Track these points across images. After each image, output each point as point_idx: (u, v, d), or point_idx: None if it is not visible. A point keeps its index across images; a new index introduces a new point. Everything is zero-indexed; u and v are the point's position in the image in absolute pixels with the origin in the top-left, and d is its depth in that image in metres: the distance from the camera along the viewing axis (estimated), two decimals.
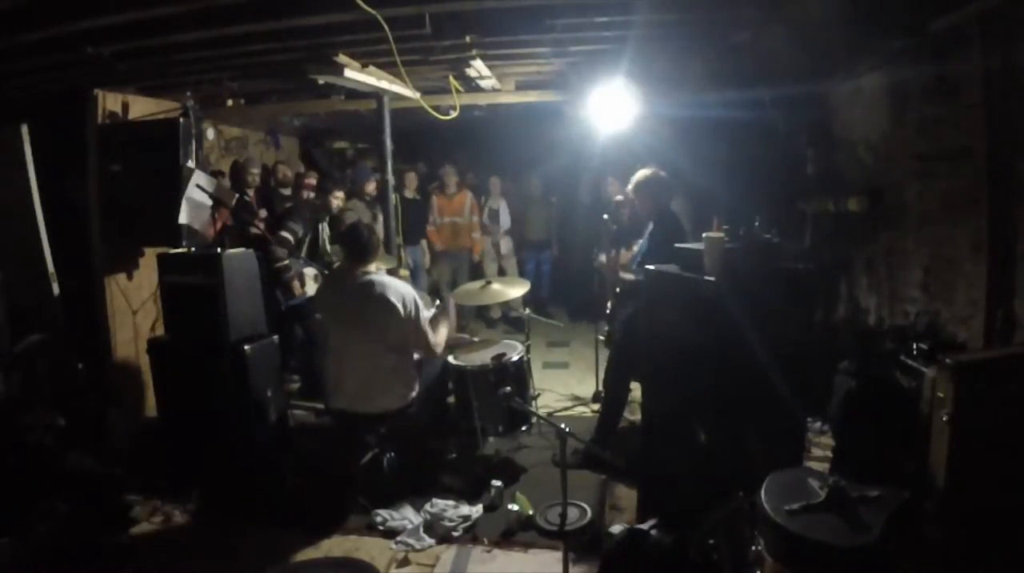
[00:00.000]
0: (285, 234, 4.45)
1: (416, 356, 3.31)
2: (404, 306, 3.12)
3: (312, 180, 5.46)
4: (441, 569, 2.75)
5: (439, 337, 3.29)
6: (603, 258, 3.59)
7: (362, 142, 8.05)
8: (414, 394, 3.27)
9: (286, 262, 4.45)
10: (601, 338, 4.33)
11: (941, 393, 1.98)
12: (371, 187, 5.71)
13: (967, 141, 2.83)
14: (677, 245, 2.84)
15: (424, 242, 6.61)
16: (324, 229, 4.83)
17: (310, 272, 4.61)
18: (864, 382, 2.82)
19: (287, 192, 5.56)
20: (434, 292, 6.34)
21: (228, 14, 2.79)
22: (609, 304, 3.95)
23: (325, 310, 3.29)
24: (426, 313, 3.22)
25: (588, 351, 5.06)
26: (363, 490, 3.23)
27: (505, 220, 6.79)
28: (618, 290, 3.82)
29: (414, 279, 6.31)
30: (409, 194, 6.47)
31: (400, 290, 3.15)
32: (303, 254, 4.60)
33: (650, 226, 3.58)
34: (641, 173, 3.57)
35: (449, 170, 6.60)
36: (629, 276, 3.54)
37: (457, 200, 6.59)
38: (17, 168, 3.78)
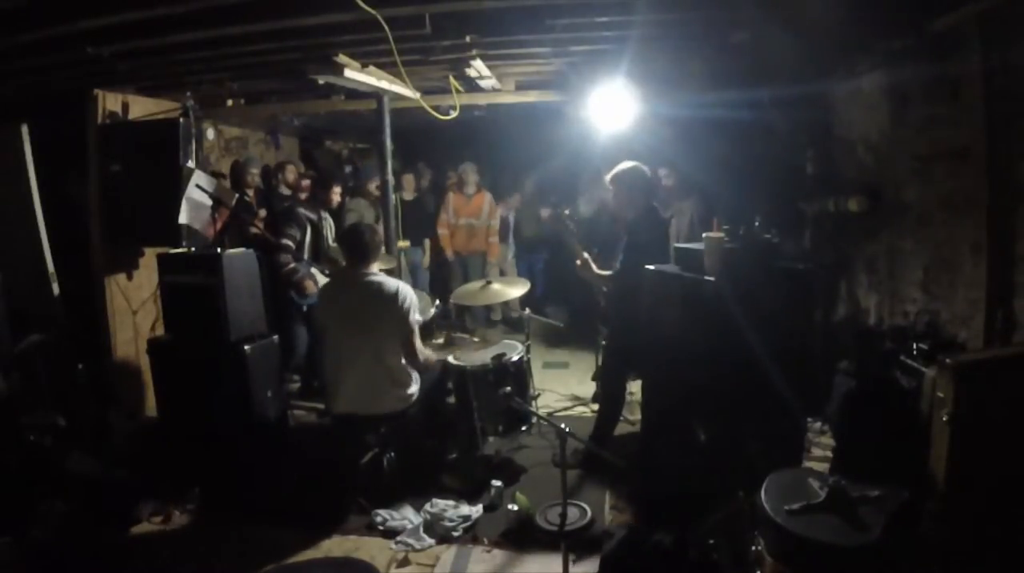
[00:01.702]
0: (285, 241, 4.48)
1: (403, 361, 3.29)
2: (402, 304, 3.12)
3: (309, 182, 5.45)
4: (441, 569, 2.74)
5: (426, 350, 3.28)
6: (577, 261, 3.58)
7: (362, 142, 8.05)
8: (415, 395, 3.27)
9: (292, 266, 4.46)
10: (603, 343, 4.33)
11: (941, 393, 1.98)
12: (373, 186, 5.70)
13: (967, 141, 2.83)
14: (676, 245, 2.84)
15: (427, 242, 6.55)
16: (328, 226, 4.82)
17: (319, 275, 4.63)
18: (864, 382, 2.82)
19: (288, 192, 5.56)
20: (435, 292, 6.32)
21: (228, 14, 2.79)
22: (602, 304, 3.95)
23: (327, 312, 3.29)
24: (418, 317, 3.21)
25: (588, 351, 5.06)
26: (363, 490, 3.23)
27: (510, 226, 6.77)
28: (604, 290, 3.80)
29: (413, 279, 6.30)
30: (408, 196, 6.44)
31: (401, 289, 3.16)
32: (307, 256, 4.60)
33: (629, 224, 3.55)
34: (622, 164, 3.50)
35: (468, 168, 6.34)
36: (605, 273, 3.54)
37: (475, 201, 6.37)
38: (17, 168, 3.78)
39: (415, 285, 6.00)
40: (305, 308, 4.54)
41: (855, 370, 2.94)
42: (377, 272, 3.24)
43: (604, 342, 4.10)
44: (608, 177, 3.54)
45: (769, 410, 2.40)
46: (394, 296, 3.12)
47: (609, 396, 3.71)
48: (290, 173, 5.67)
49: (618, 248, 3.60)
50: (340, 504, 3.19)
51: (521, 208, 6.88)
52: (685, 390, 2.59)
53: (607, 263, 3.65)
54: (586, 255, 3.55)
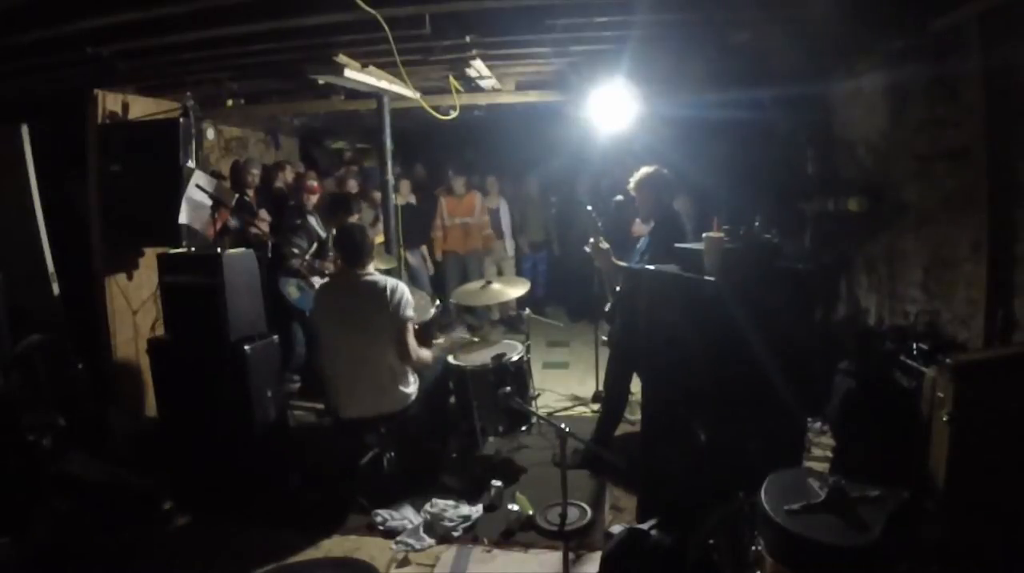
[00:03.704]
0: (294, 250, 4.55)
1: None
2: (391, 297, 3.11)
3: (314, 183, 5.43)
4: (441, 569, 2.74)
5: (420, 349, 3.26)
6: (591, 240, 3.59)
7: (362, 142, 8.05)
8: (414, 395, 3.27)
9: (306, 264, 4.59)
10: (604, 339, 4.32)
11: (941, 393, 1.98)
12: (379, 195, 5.73)
13: (967, 141, 2.84)
14: (677, 245, 2.84)
15: (424, 247, 6.55)
16: (331, 238, 4.84)
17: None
18: (864, 382, 2.82)
19: (286, 192, 5.55)
20: (437, 293, 6.32)
21: (228, 14, 2.79)
22: (608, 304, 3.95)
23: (323, 314, 3.28)
24: (411, 313, 3.21)
25: (588, 351, 5.06)
26: (363, 490, 3.23)
27: (506, 221, 6.69)
28: (617, 289, 3.81)
29: (414, 282, 6.30)
30: (401, 200, 6.46)
31: (391, 284, 3.15)
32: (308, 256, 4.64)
33: (651, 225, 3.58)
34: (643, 170, 3.55)
35: (455, 176, 6.52)
36: (622, 263, 3.55)
37: (467, 201, 6.46)
38: (17, 168, 3.78)
39: (419, 286, 6.02)
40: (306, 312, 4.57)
41: (855, 370, 2.93)
42: (372, 272, 3.23)
43: (605, 339, 4.10)
44: (632, 183, 3.57)
45: (769, 410, 2.39)
46: (383, 291, 3.12)
47: (612, 397, 3.70)
48: (290, 173, 5.68)
49: (625, 248, 3.62)
50: (340, 504, 3.19)
51: (524, 208, 6.87)
52: (685, 390, 2.59)
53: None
54: (606, 245, 3.55)
